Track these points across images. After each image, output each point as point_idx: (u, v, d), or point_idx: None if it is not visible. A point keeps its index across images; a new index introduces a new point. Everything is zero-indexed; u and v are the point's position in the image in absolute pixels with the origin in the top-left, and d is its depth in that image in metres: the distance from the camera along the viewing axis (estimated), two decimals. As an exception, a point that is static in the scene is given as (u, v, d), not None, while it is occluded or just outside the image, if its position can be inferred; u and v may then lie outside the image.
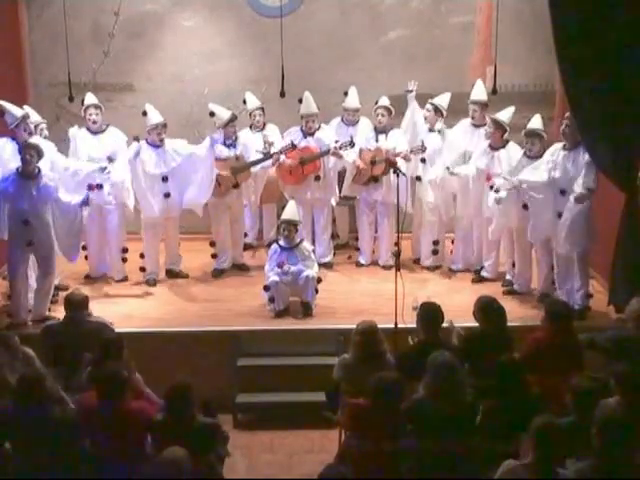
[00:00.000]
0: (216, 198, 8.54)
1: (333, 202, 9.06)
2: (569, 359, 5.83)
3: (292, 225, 7.79)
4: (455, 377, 5.12)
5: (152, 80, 9.80)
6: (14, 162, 7.57)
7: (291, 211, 7.87)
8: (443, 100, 8.61)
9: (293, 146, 8.59)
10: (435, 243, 8.78)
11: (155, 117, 8.29)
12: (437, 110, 8.56)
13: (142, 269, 8.52)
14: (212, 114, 8.53)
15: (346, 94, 8.93)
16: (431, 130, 8.62)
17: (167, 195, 8.35)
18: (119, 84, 9.63)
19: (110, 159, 8.27)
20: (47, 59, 9.51)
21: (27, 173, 7.37)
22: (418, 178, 8.71)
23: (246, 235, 9.23)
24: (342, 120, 9.13)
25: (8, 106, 7.91)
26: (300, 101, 8.60)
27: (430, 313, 6.07)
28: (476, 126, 8.54)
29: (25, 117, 7.88)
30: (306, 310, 7.73)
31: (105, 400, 5.28)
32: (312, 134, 8.73)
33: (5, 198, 7.38)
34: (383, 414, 5.05)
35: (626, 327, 6.12)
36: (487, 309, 6.14)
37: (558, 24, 6.66)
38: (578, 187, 7.27)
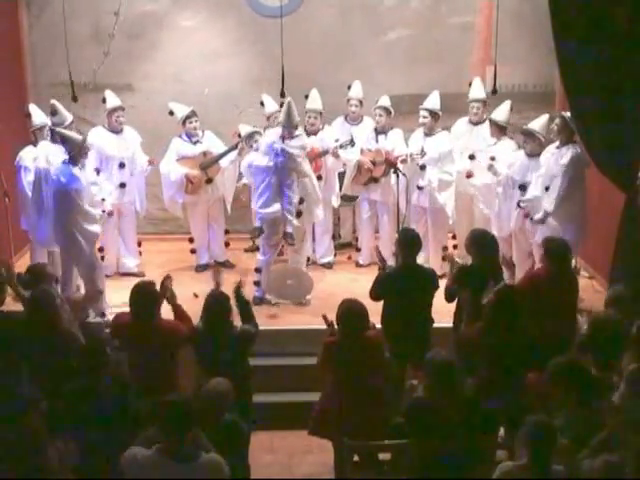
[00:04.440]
0: (190, 196, 8.65)
1: (335, 203, 9.02)
2: (564, 299, 6.21)
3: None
4: (454, 376, 5.13)
5: (152, 80, 9.80)
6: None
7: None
8: (434, 102, 8.44)
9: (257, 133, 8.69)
10: (444, 249, 8.58)
11: (113, 101, 8.43)
12: (433, 114, 8.42)
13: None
14: (171, 113, 8.61)
15: (349, 88, 8.91)
16: (427, 134, 8.47)
17: (122, 185, 8.48)
18: (119, 84, 9.59)
19: (122, 165, 8.41)
20: (47, 59, 9.51)
21: None
22: (419, 187, 8.46)
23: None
24: (345, 119, 9.11)
25: (60, 108, 8.23)
26: (306, 97, 8.60)
27: (409, 238, 6.53)
28: (474, 123, 8.52)
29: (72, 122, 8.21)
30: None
31: (138, 317, 5.68)
32: (315, 133, 8.70)
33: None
34: (351, 343, 5.62)
35: (607, 312, 6.02)
36: (480, 241, 6.46)
37: (558, 20, 6.66)
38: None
